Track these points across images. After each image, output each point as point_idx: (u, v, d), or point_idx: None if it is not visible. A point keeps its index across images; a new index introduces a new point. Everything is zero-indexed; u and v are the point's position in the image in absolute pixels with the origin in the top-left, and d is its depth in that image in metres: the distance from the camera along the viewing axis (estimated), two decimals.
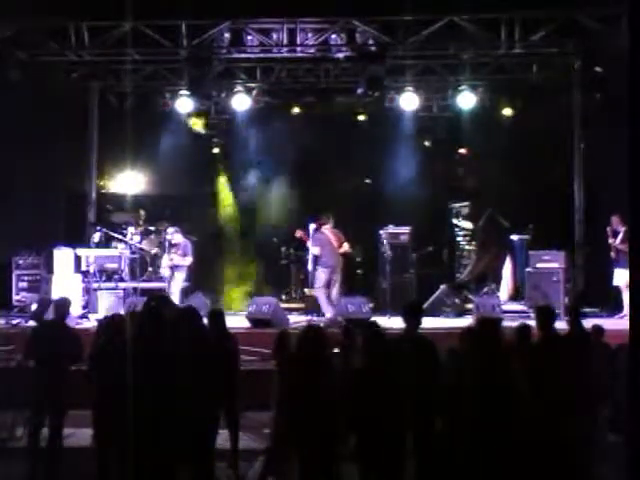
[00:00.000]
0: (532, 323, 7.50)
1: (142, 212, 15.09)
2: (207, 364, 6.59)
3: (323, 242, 12.90)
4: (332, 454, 6.17)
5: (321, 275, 12.83)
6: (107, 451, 6.56)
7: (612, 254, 12.94)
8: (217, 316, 7.89)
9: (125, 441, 6.07)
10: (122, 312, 11.73)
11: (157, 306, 8.04)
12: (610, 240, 12.92)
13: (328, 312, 12.69)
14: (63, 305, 8.03)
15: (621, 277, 12.72)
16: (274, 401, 6.68)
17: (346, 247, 13.05)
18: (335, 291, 12.88)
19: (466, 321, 12.69)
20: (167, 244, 13.98)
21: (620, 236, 12.77)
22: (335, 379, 6.24)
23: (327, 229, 13.01)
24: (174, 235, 13.71)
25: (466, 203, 15.56)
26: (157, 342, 6.56)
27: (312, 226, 14.40)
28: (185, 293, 13.76)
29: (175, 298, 13.18)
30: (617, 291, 12.85)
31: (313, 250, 13.08)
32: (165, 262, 13.76)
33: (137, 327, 6.58)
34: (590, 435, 6.95)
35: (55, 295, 12.98)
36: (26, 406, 7.58)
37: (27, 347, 7.75)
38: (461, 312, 13.54)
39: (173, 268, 13.58)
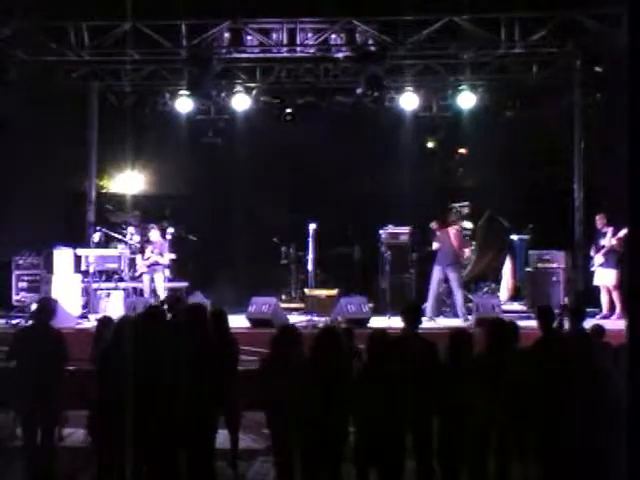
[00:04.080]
0: (533, 323, 7.51)
1: (136, 212, 15.10)
2: (209, 364, 6.59)
3: (442, 239, 13.13)
4: (337, 454, 6.18)
5: (434, 273, 13.07)
6: (107, 452, 6.55)
7: (600, 255, 12.95)
8: (219, 316, 7.86)
9: (126, 442, 6.07)
10: (123, 312, 11.84)
11: (168, 307, 7.98)
12: (603, 242, 12.94)
13: (427, 310, 12.77)
14: (47, 306, 7.80)
15: (604, 276, 12.81)
16: (272, 400, 6.67)
17: (466, 252, 13.15)
18: (457, 295, 12.95)
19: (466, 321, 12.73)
20: (167, 244, 14.01)
21: (609, 236, 12.82)
22: (341, 379, 6.26)
23: (453, 228, 13.19)
24: (151, 233, 13.77)
25: (466, 203, 15.55)
26: (163, 342, 6.59)
27: (312, 226, 14.41)
28: (185, 293, 13.79)
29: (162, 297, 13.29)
30: (598, 291, 12.92)
31: (434, 245, 13.31)
32: (140, 261, 13.82)
33: (141, 328, 6.58)
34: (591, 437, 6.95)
35: (55, 295, 13.04)
36: (16, 407, 7.52)
37: (10, 348, 7.55)
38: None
39: (151, 267, 13.63)
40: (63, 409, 7.38)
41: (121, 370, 6.20)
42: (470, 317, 12.62)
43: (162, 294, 13.39)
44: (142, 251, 13.79)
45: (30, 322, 8.12)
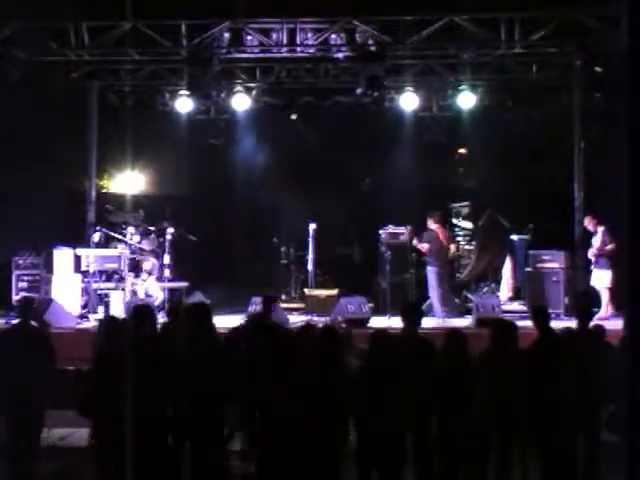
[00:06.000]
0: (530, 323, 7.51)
1: (141, 212, 15.11)
2: (211, 362, 6.60)
3: (432, 239, 13.29)
4: (338, 452, 6.20)
5: (430, 275, 13.20)
6: (108, 452, 6.54)
7: (590, 255, 12.99)
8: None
9: (126, 442, 6.08)
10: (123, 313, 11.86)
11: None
12: (594, 242, 12.98)
13: (439, 314, 12.92)
14: (27, 305, 7.78)
15: (599, 278, 12.80)
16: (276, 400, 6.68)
17: (453, 248, 13.47)
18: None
19: (466, 321, 12.73)
20: (167, 244, 14.03)
21: (599, 237, 12.82)
22: (343, 378, 6.28)
23: (438, 227, 13.40)
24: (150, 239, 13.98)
25: (466, 203, 15.56)
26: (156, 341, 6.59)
27: (312, 226, 14.41)
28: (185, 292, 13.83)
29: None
30: (595, 292, 12.91)
31: (422, 247, 13.34)
32: (167, 262, 13.84)
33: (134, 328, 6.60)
34: (591, 436, 6.96)
35: (55, 295, 13.05)
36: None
37: None
38: (461, 312, 13.55)
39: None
40: (46, 409, 7.24)
41: (120, 372, 6.21)
42: (446, 318, 12.71)
43: (159, 295, 13.50)
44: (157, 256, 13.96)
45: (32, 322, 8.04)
